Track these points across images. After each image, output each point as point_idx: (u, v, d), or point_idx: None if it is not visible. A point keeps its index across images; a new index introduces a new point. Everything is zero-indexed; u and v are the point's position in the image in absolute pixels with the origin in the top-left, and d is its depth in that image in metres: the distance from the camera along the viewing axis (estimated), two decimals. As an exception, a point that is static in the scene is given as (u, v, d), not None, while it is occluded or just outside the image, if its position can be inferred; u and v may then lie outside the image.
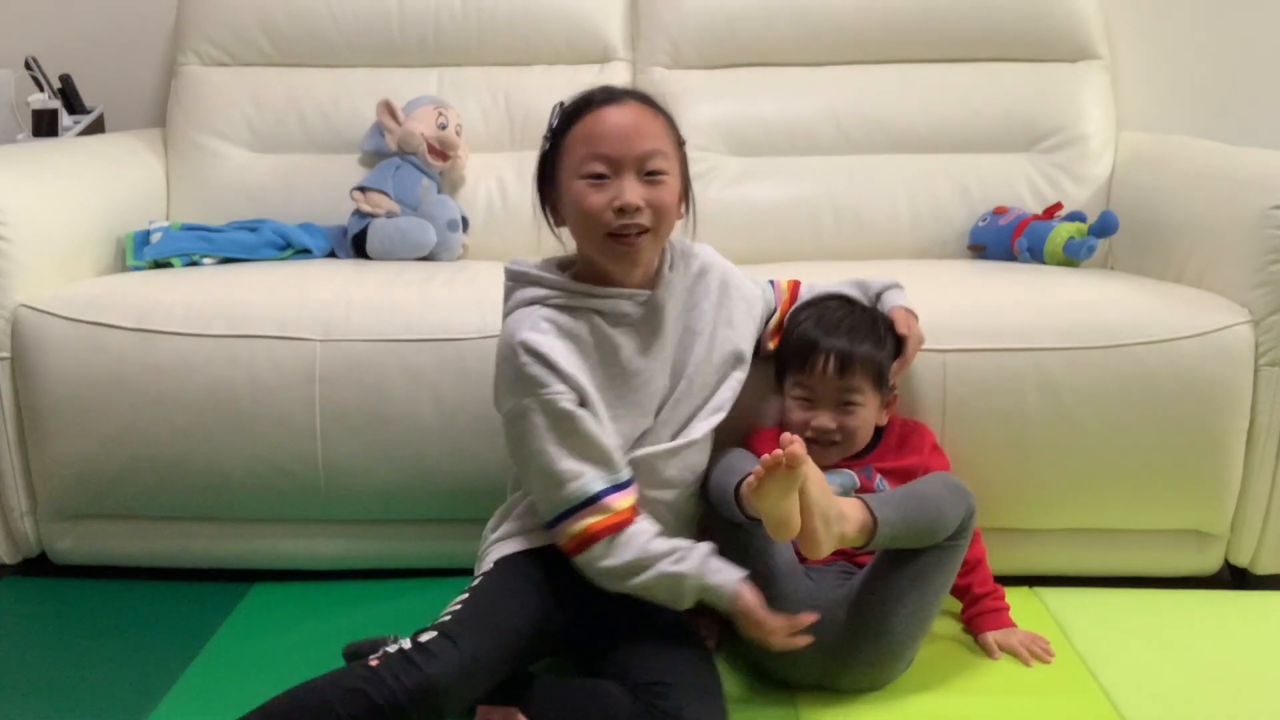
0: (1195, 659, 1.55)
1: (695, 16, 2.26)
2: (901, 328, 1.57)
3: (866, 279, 1.65)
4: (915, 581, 1.42)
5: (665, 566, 1.33)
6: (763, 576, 1.41)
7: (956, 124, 2.20)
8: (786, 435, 1.25)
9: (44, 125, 2.32)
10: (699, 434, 1.47)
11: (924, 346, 1.62)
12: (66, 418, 1.69)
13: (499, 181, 2.20)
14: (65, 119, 2.35)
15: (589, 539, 1.34)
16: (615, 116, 1.36)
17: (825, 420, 1.54)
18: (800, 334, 1.56)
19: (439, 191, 2.12)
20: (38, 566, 1.83)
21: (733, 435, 1.55)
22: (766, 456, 1.25)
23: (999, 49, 2.25)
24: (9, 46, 2.43)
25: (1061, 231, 1.96)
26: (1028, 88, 2.22)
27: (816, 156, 2.21)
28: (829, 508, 1.30)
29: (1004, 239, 2.04)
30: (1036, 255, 1.99)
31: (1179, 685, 1.49)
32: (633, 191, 1.34)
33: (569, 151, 1.38)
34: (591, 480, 1.34)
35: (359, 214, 2.06)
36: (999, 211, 2.09)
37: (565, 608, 1.40)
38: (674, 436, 1.46)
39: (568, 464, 1.34)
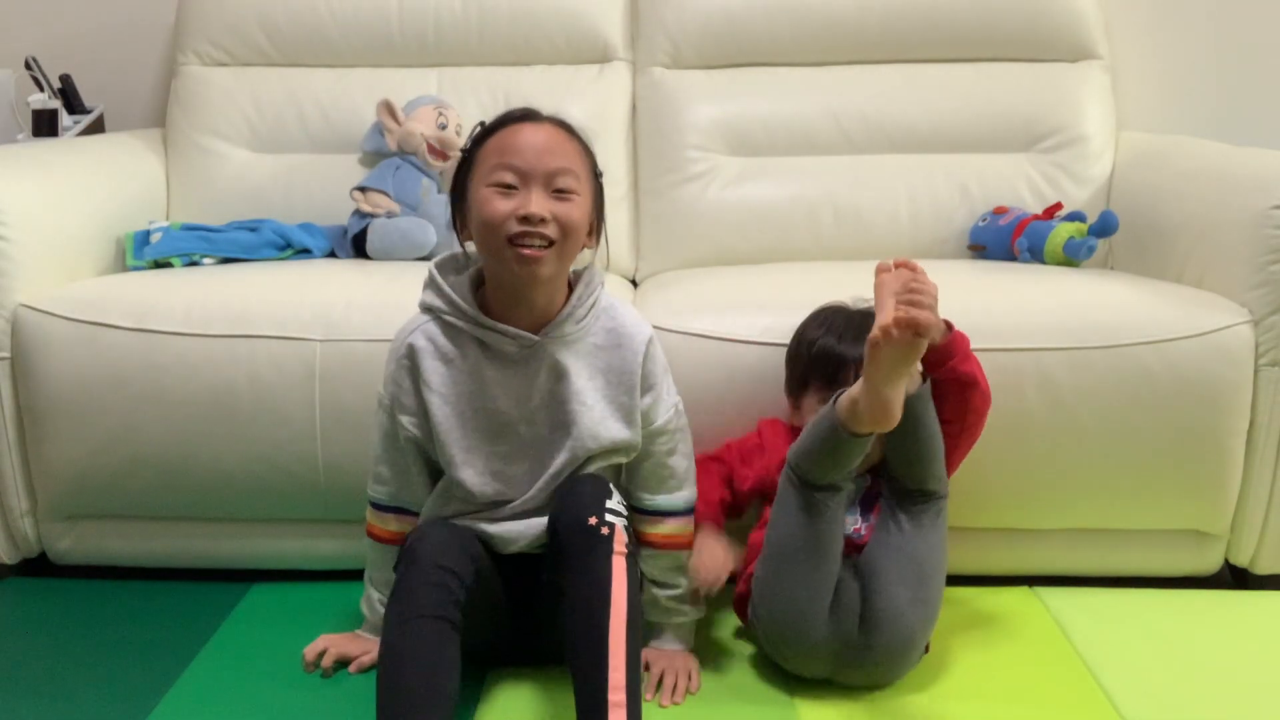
0: (1195, 659, 1.55)
1: (695, 16, 2.26)
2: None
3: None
4: (911, 557, 1.44)
5: (371, 586, 1.55)
6: (823, 545, 1.43)
7: (956, 124, 2.20)
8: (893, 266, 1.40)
9: (44, 125, 2.32)
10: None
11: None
12: (66, 418, 1.69)
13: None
14: (65, 119, 2.35)
15: (367, 532, 1.55)
16: (530, 133, 1.37)
17: None
18: (821, 349, 1.55)
19: (439, 191, 2.12)
20: (38, 566, 1.84)
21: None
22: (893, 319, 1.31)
23: (999, 49, 2.25)
24: (9, 46, 2.43)
25: (1061, 231, 1.96)
26: (1028, 88, 2.22)
27: (816, 156, 2.21)
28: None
29: (1004, 239, 2.04)
30: (1036, 255, 1.99)
31: (1179, 685, 1.49)
32: (539, 202, 1.34)
33: (482, 162, 1.39)
34: (388, 494, 1.51)
35: (359, 214, 2.06)
36: (999, 211, 2.10)
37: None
38: (540, 480, 1.44)
39: (384, 469, 1.51)
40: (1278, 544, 1.72)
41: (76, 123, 2.36)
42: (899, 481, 1.49)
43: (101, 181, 2.05)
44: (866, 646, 1.43)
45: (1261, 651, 1.58)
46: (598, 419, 1.43)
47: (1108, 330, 1.64)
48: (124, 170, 2.15)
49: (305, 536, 1.76)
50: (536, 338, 1.40)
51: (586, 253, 1.45)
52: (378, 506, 1.52)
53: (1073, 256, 1.93)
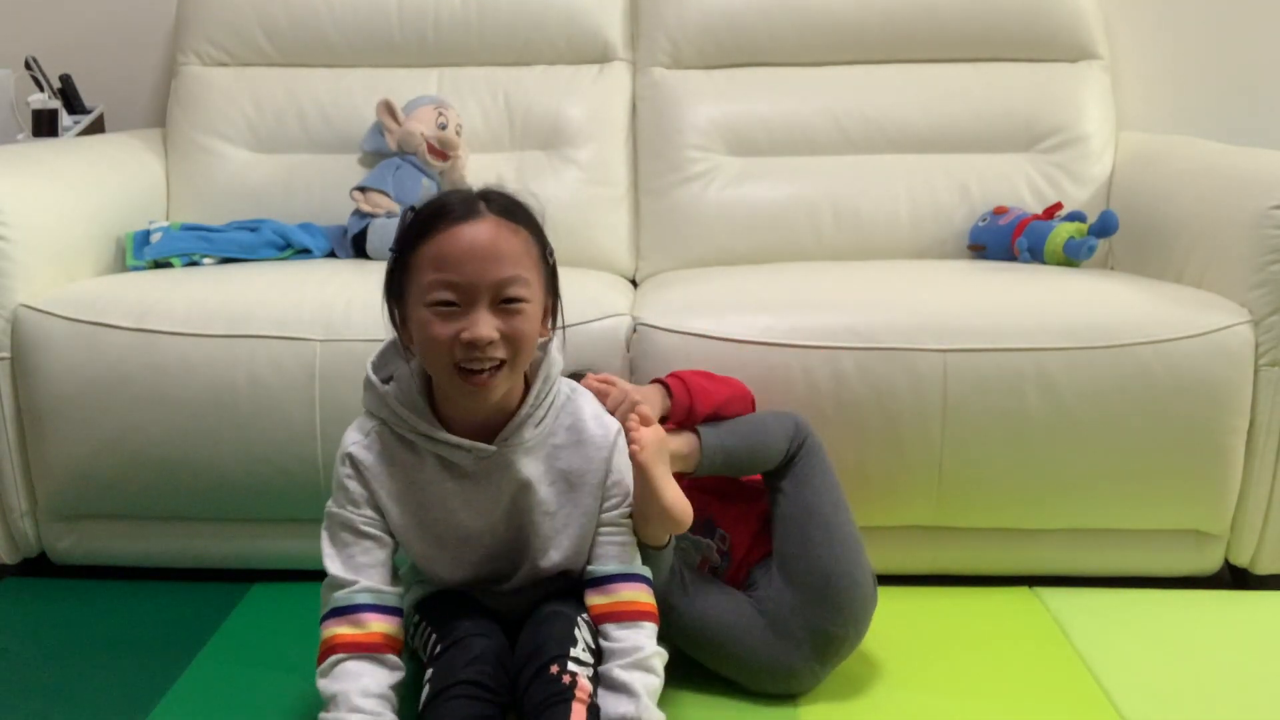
0: (1195, 659, 1.55)
1: (695, 16, 2.26)
2: None
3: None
4: (807, 512, 1.47)
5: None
6: (709, 617, 1.46)
7: (956, 124, 2.20)
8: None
9: (44, 125, 2.32)
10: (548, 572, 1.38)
11: (925, 346, 1.63)
12: (66, 418, 1.69)
13: (499, 181, 2.18)
14: (65, 119, 2.35)
15: (330, 649, 1.28)
16: (470, 236, 1.21)
17: None
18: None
19: (439, 191, 2.12)
20: (38, 566, 1.84)
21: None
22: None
23: (999, 49, 2.25)
24: (9, 46, 2.43)
25: (1061, 231, 1.96)
26: (1028, 88, 2.22)
27: (816, 156, 2.21)
28: (659, 431, 1.38)
29: (1004, 239, 2.04)
30: (1036, 255, 1.99)
31: (1179, 685, 1.49)
32: (485, 324, 1.21)
33: (417, 271, 1.24)
34: (359, 592, 1.29)
35: (359, 214, 2.06)
36: (999, 211, 2.09)
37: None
38: (518, 573, 1.38)
39: (346, 575, 1.30)
40: (1278, 544, 1.72)
41: (76, 123, 2.36)
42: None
43: (101, 181, 2.05)
44: (822, 618, 1.42)
45: (1261, 651, 1.58)
46: (559, 526, 1.35)
47: (1108, 330, 1.64)
48: (124, 170, 2.15)
49: (305, 536, 1.74)
50: (493, 448, 1.29)
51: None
52: (350, 610, 1.29)
53: (1073, 256, 1.93)
